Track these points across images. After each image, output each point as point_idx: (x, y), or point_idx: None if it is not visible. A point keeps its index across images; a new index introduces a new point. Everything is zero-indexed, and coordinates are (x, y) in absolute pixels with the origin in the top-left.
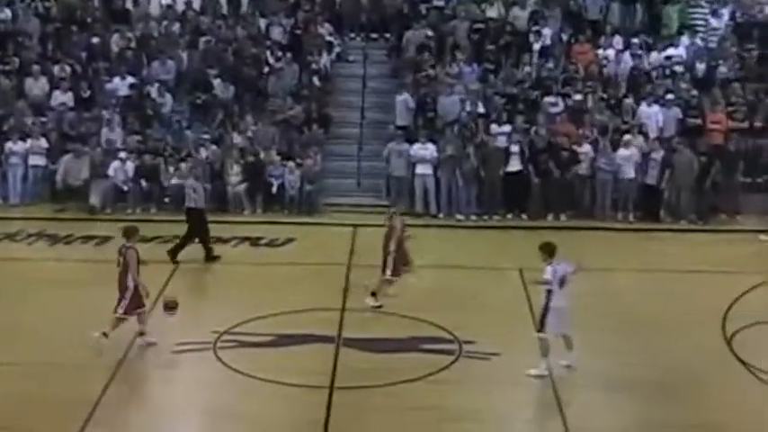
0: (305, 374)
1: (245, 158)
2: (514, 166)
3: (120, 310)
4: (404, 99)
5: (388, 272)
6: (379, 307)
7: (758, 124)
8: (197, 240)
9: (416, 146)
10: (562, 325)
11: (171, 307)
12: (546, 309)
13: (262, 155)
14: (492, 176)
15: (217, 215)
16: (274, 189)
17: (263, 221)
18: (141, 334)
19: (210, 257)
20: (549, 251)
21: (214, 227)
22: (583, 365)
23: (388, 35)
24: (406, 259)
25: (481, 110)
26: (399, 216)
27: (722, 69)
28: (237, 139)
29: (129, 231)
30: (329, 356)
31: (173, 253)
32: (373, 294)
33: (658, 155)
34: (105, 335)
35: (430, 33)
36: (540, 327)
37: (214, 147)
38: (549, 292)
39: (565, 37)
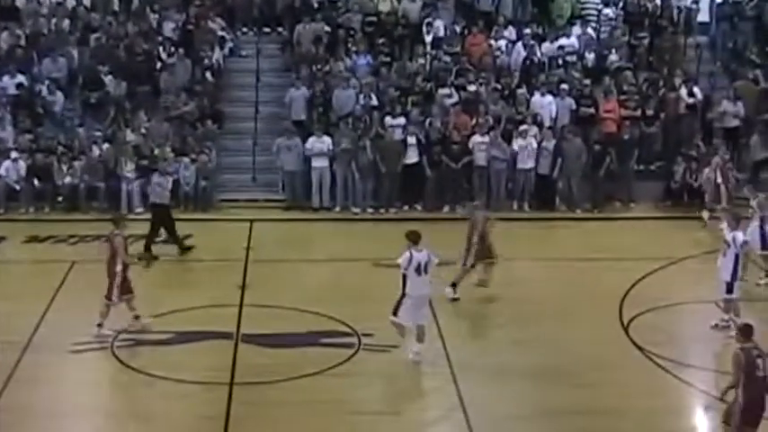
0: (204, 371)
1: (138, 156)
2: (412, 158)
3: (115, 298)
4: (300, 93)
5: (470, 262)
6: (457, 299)
7: (650, 112)
8: (163, 237)
9: (312, 139)
10: (417, 314)
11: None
12: (402, 295)
13: (155, 151)
14: (389, 169)
15: (110, 213)
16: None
17: None
18: (137, 317)
19: (184, 250)
20: (412, 238)
21: (109, 225)
22: (482, 354)
23: (280, 29)
24: (489, 252)
25: (375, 102)
26: (481, 210)
27: (614, 58)
28: (130, 136)
29: (117, 219)
30: (228, 353)
31: (147, 250)
32: (453, 285)
33: (550, 144)
34: (100, 325)
35: (322, 27)
36: (395, 312)
37: (107, 144)
38: (404, 277)
39: (458, 28)
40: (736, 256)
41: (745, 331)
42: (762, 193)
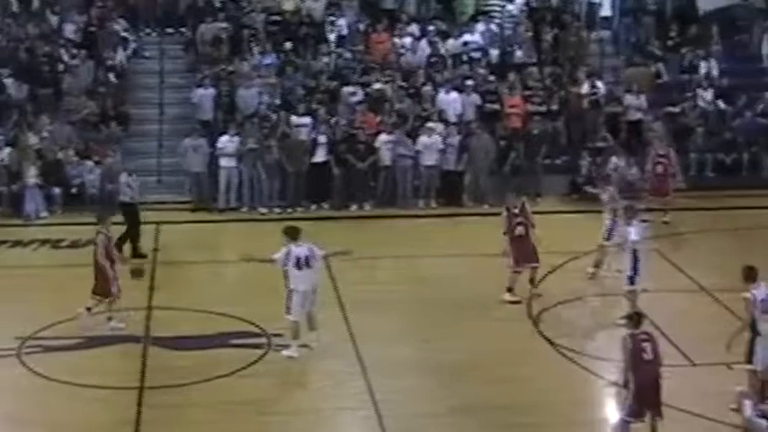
0: (114, 375)
1: (42, 159)
2: (318, 157)
3: (115, 290)
4: (207, 93)
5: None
6: (518, 302)
7: (555, 107)
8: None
9: (224, 138)
10: (305, 307)
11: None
12: (288, 291)
13: (59, 155)
14: (296, 168)
15: (14, 218)
16: (74, 189)
17: (63, 223)
18: (109, 319)
19: (138, 255)
20: (290, 234)
21: (13, 231)
22: (393, 352)
23: (183, 29)
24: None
25: (278, 101)
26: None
27: (518, 54)
28: (33, 139)
29: (100, 217)
30: (137, 356)
31: (135, 252)
32: (509, 290)
33: (456, 140)
34: (110, 318)
35: (225, 26)
36: (287, 310)
37: (9, 148)
38: (285, 272)
39: (362, 27)
40: (634, 250)
41: (634, 319)
42: (611, 186)
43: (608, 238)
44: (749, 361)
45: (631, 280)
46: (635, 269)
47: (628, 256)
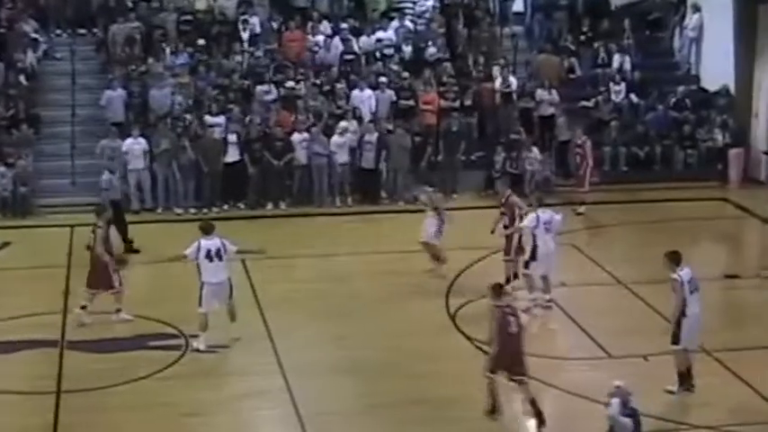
0: (29, 380)
1: None
2: (233, 156)
3: (117, 284)
4: (117, 95)
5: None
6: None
7: (468, 102)
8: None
9: (129, 141)
10: (218, 299)
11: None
12: (201, 284)
13: None
14: (211, 168)
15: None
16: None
17: None
18: (83, 307)
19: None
20: (203, 228)
21: None
22: (312, 351)
23: (95, 30)
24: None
25: (190, 101)
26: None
27: (431, 50)
28: None
29: (98, 211)
30: (54, 361)
31: (128, 246)
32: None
33: (373, 137)
34: (119, 310)
35: (137, 26)
36: (198, 301)
37: None
38: (198, 266)
39: (274, 25)
40: (534, 236)
41: (496, 290)
42: (430, 187)
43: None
44: (675, 342)
45: (527, 265)
46: (533, 255)
47: (529, 241)
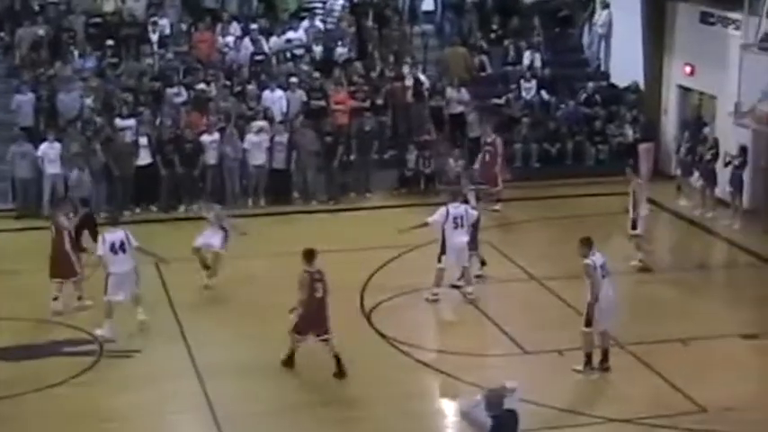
0: None
1: None
2: (144, 159)
3: (79, 270)
4: (27, 99)
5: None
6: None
7: (380, 102)
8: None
9: (44, 145)
10: (123, 289)
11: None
12: (106, 275)
13: None
14: (122, 172)
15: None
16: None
17: None
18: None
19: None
20: (111, 221)
21: None
22: (226, 353)
23: (2, 34)
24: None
25: (95, 104)
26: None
27: (342, 50)
28: None
29: (56, 204)
30: None
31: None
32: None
33: (283, 138)
34: (80, 298)
35: (43, 29)
36: (104, 290)
37: None
38: (102, 258)
39: (184, 26)
40: (443, 230)
41: (308, 256)
42: (218, 205)
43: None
44: (588, 325)
45: (439, 258)
46: (443, 248)
47: (439, 235)
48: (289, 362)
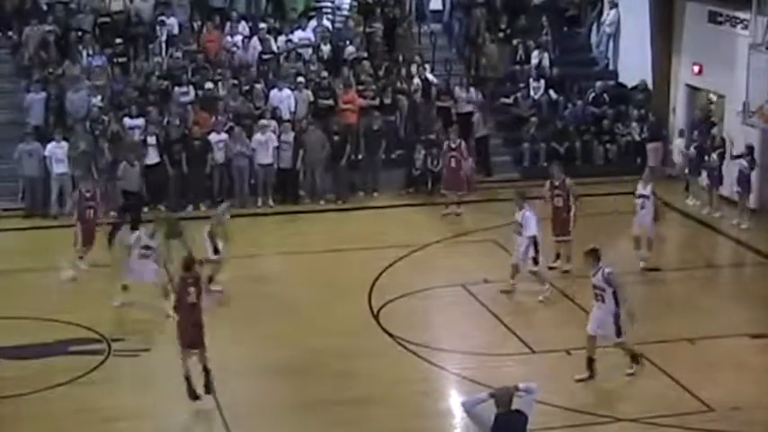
0: None
1: None
2: (152, 158)
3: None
4: (38, 98)
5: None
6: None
7: (387, 101)
8: None
9: (51, 145)
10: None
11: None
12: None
13: None
14: None
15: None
16: None
17: None
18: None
19: None
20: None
21: None
22: (235, 352)
23: (10, 33)
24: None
25: (103, 104)
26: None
27: (350, 49)
28: None
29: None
30: None
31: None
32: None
33: (290, 137)
34: (81, 257)
35: (51, 28)
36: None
37: None
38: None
39: (192, 26)
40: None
41: (185, 264)
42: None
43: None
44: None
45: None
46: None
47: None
48: (190, 390)
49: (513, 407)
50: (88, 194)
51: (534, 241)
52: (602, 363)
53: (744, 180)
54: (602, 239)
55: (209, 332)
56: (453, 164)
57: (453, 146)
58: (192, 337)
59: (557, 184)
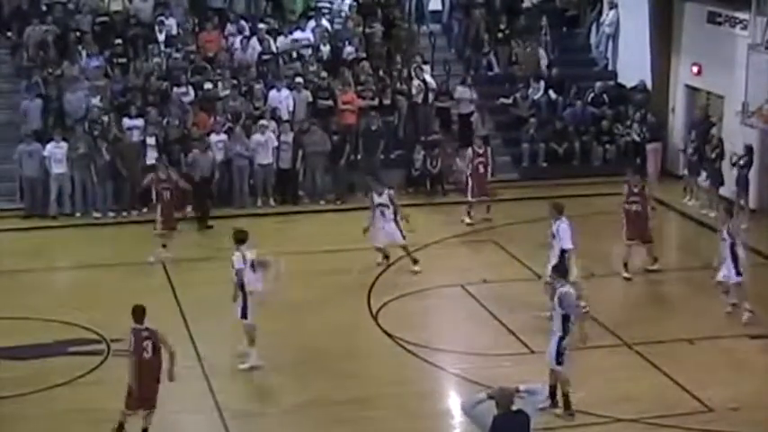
0: None
1: None
2: (152, 159)
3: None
4: (34, 105)
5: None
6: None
7: (387, 101)
8: None
9: (51, 145)
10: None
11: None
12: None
13: None
14: (129, 171)
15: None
16: None
17: None
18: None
19: None
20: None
21: None
22: (233, 351)
23: (9, 33)
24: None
25: (102, 104)
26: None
27: (349, 50)
28: None
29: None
30: None
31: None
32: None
33: (289, 138)
34: (164, 246)
35: (50, 29)
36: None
37: None
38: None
39: (191, 26)
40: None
41: (135, 313)
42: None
43: None
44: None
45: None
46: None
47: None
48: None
49: (515, 407)
50: (163, 176)
51: (564, 253)
52: (603, 363)
53: (742, 180)
54: (601, 240)
55: (210, 332)
56: (481, 169)
57: (480, 151)
58: (146, 399)
59: (636, 191)
